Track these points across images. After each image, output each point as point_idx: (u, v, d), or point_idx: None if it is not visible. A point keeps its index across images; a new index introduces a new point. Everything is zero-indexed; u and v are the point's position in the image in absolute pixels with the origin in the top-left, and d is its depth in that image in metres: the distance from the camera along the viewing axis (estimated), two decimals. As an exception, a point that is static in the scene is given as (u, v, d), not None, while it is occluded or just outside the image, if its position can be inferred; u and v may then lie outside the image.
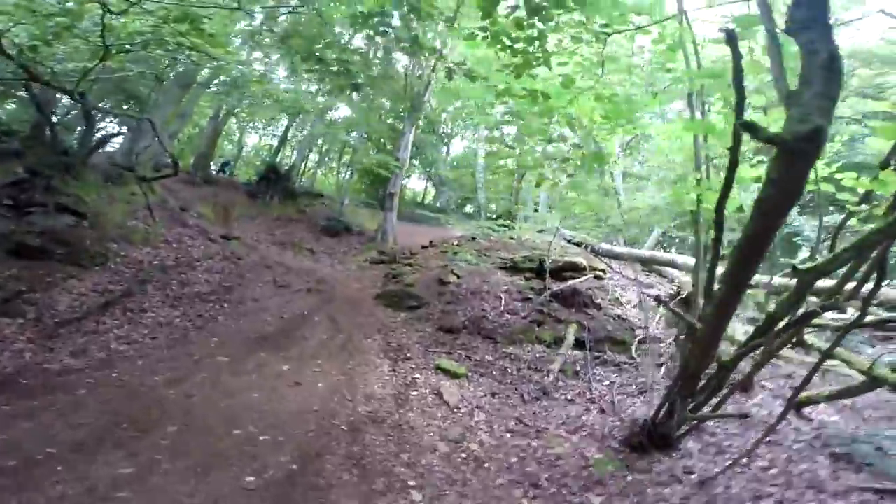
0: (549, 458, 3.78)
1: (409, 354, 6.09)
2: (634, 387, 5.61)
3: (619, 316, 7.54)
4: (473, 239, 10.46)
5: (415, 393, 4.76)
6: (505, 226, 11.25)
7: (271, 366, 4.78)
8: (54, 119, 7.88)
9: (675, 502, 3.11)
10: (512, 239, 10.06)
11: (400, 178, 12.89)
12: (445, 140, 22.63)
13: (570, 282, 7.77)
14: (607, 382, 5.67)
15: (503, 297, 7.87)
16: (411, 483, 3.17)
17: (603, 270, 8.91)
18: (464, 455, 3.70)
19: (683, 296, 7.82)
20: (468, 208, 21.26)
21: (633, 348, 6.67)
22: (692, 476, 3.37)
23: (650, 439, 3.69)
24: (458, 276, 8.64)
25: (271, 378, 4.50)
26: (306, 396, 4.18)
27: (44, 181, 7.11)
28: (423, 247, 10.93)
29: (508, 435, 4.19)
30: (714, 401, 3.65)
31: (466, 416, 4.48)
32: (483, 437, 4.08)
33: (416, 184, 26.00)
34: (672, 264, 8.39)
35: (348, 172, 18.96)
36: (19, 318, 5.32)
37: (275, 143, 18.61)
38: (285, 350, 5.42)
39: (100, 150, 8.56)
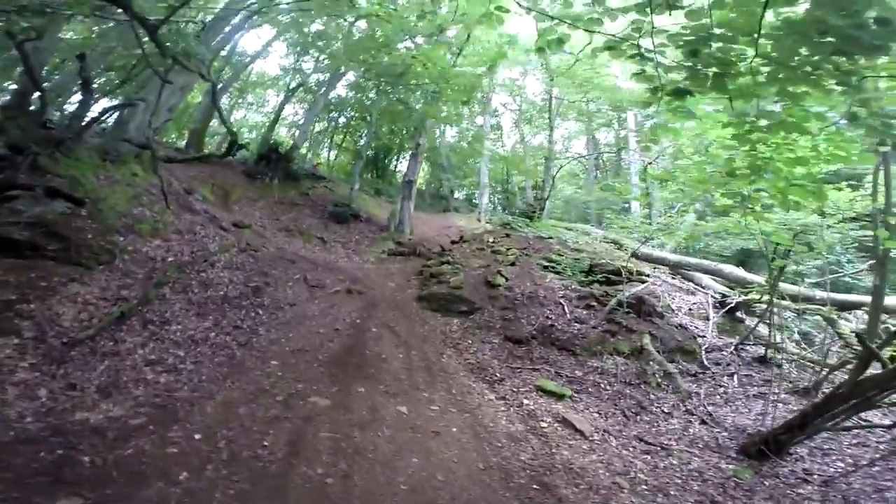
0: (692, 473, 3.93)
1: (496, 374, 5.55)
2: (719, 396, 5.70)
3: (680, 325, 7.33)
4: (507, 235, 9.85)
5: (544, 425, 4.41)
6: (526, 218, 10.77)
7: (385, 407, 3.97)
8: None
9: (815, 499, 3.56)
10: (550, 238, 9.55)
11: (419, 164, 11.90)
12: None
13: (635, 289, 7.41)
14: (685, 393, 5.58)
15: (564, 305, 7.40)
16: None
17: (647, 275, 8.68)
18: (641, 486, 3.64)
19: (732, 304, 7.83)
20: (452, 195, 20.46)
21: (703, 357, 6.54)
22: (814, 476, 3.86)
23: (767, 447, 4.11)
24: (506, 279, 8.05)
25: (402, 429, 3.70)
26: (460, 451, 3.53)
27: (28, 158, 5.64)
28: (454, 242, 10.19)
29: (648, 456, 4.17)
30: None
31: (602, 442, 4.32)
32: (635, 461, 4.02)
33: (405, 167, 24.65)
34: (719, 273, 8.30)
35: (338, 154, 17.54)
36: (14, 338, 4.13)
37: (266, 121, 16.68)
38: (374, 378, 4.62)
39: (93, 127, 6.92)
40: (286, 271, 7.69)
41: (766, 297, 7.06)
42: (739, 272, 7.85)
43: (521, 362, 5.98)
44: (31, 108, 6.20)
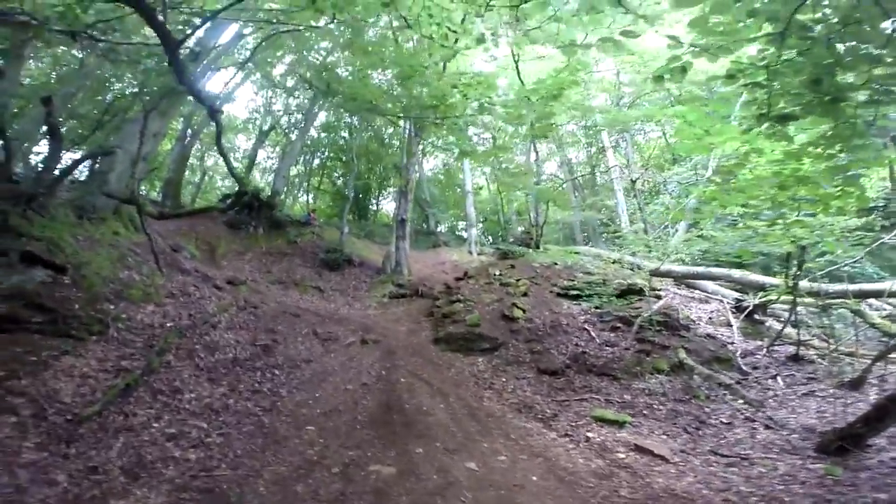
0: (786, 478, 3.77)
1: (545, 410, 5.24)
2: (770, 400, 5.60)
3: (707, 334, 7.28)
4: (512, 266, 9.69)
5: (622, 456, 4.18)
6: (524, 246, 10.73)
7: (453, 467, 3.49)
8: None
9: None
10: (556, 264, 9.48)
11: (409, 201, 11.68)
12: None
13: (655, 305, 7.35)
14: (741, 401, 5.52)
15: (590, 330, 7.21)
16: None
17: (660, 290, 8.70)
18: (751, 498, 3.48)
19: (750, 307, 7.91)
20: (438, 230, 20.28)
21: (740, 363, 6.45)
22: None
23: (847, 442, 4.04)
24: (524, 310, 7.81)
25: (482, 489, 3.24)
26: (555, 501, 3.15)
27: (-2, 220, 4.99)
28: (459, 278, 9.88)
29: (735, 469, 4.01)
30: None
31: (685, 463, 4.13)
32: (727, 476, 3.87)
33: (386, 205, 24.36)
34: (728, 278, 8.44)
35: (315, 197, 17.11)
36: (10, 416, 3.58)
37: (241, 167, 16.08)
38: (427, 435, 4.14)
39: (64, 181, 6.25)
40: (292, 326, 7.11)
41: (784, 297, 7.20)
42: (750, 276, 7.98)
43: (564, 394, 5.68)
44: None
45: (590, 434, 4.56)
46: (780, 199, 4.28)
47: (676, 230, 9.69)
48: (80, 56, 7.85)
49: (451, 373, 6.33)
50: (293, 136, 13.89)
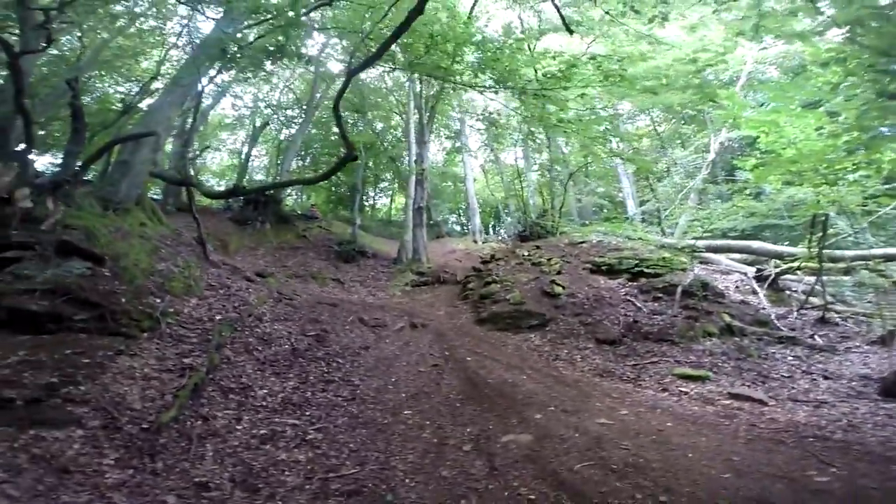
0: (867, 416, 3.89)
1: (627, 374, 5.26)
2: (818, 355, 5.82)
3: (742, 301, 7.49)
4: (538, 247, 9.64)
5: (727, 402, 4.32)
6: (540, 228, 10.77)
7: (588, 425, 3.38)
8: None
9: None
10: (583, 243, 9.51)
11: (425, 189, 11.40)
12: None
13: (689, 277, 7.50)
14: (791, 357, 5.71)
15: (634, 301, 7.26)
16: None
17: (685, 262, 8.88)
18: (866, 426, 3.67)
19: (772, 277, 8.24)
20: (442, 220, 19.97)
21: (779, 325, 6.68)
22: None
23: None
24: (563, 287, 7.77)
25: (634, 435, 3.20)
26: (706, 437, 3.24)
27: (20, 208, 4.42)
28: (485, 261, 9.71)
29: (825, 409, 4.16)
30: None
31: (782, 405, 4.29)
32: (825, 413, 4.06)
33: (379, 201, 23.75)
34: (747, 250, 8.74)
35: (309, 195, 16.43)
36: (75, 429, 3.12)
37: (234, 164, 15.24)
38: (533, 403, 4.00)
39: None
40: (334, 316, 6.77)
41: (807, 264, 7.54)
42: (768, 246, 8.30)
43: (633, 359, 5.70)
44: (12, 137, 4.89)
45: (682, 388, 4.62)
46: (835, 166, 4.40)
47: (686, 206, 9.94)
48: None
49: (510, 349, 6.21)
50: (292, 131, 13.26)
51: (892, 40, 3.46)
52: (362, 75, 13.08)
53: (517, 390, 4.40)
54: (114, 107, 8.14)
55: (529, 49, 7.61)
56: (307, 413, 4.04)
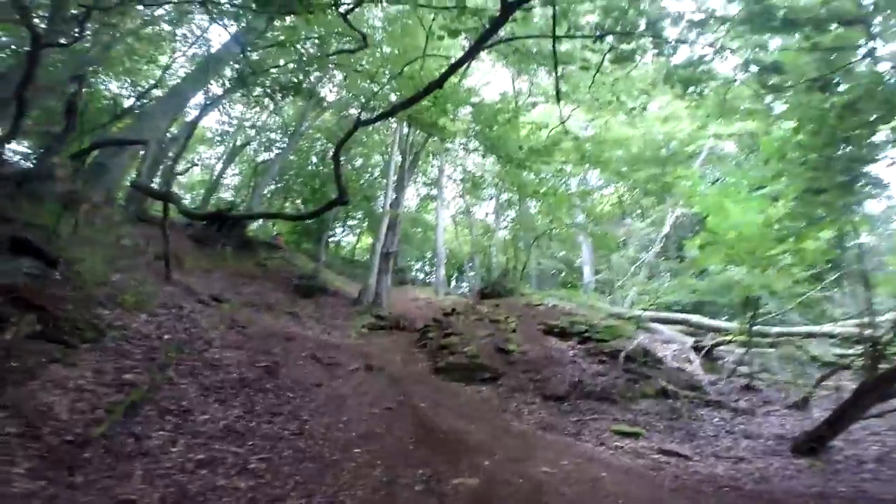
0: (780, 471, 4.41)
1: (569, 428, 5.51)
2: (740, 418, 6.40)
3: (678, 367, 8.08)
4: (497, 305, 10.01)
5: (656, 456, 4.69)
6: (500, 287, 11.22)
7: (531, 472, 3.53)
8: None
9: (883, 472, 4.28)
10: (540, 305, 9.99)
11: (397, 234, 11.62)
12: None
13: (632, 344, 8.07)
14: (718, 419, 6.31)
15: (580, 362, 7.64)
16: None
17: (630, 330, 9.50)
18: (772, 479, 4.15)
19: (707, 347, 9.02)
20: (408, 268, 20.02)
21: (709, 391, 7.28)
22: (865, 457, 4.67)
23: (815, 442, 4.89)
24: (517, 345, 8.08)
25: (572, 483, 3.35)
26: (635, 485, 3.49)
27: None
28: (447, 314, 9.87)
29: (742, 465, 4.61)
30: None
31: (704, 460, 4.73)
32: (741, 468, 4.50)
33: (344, 238, 23.57)
34: (686, 322, 9.54)
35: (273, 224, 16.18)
36: None
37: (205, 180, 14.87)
38: (481, 451, 4.08)
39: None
40: (287, 350, 6.62)
41: (738, 338, 8.39)
42: (705, 320, 9.14)
43: (575, 416, 6.01)
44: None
45: (617, 443, 4.96)
46: (768, 252, 5.18)
47: (636, 279, 10.82)
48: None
49: (463, 399, 6.29)
50: (271, 155, 13.34)
51: (825, 139, 4.07)
52: (352, 110, 13.66)
53: (468, 437, 4.48)
54: (103, 103, 7.97)
55: (517, 117, 8.51)
56: (250, 443, 3.87)
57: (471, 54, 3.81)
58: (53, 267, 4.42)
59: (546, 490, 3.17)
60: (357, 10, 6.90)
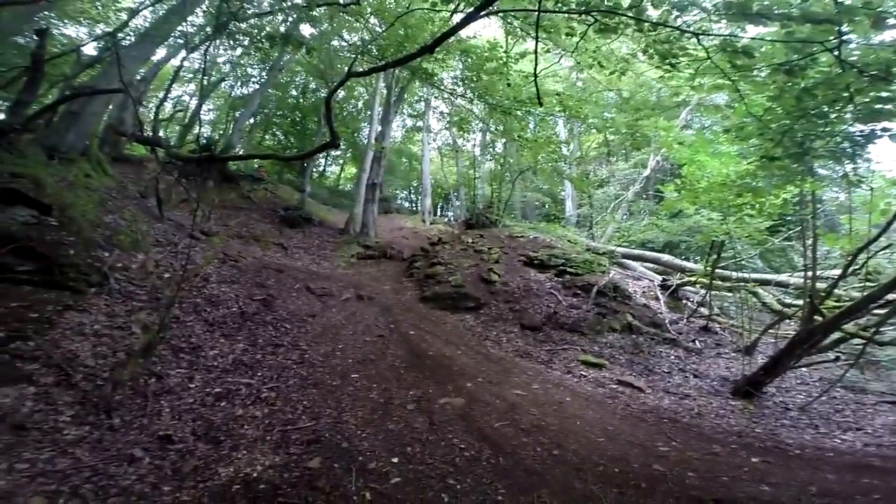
0: (718, 410, 4.95)
1: (541, 357, 6.11)
2: (694, 356, 7.05)
3: (645, 304, 8.83)
4: (482, 236, 10.38)
5: (615, 386, 5.31)
6: (485, 218, 11.55)
7: (506, 394, 4.18)
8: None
9: (803, 419, 4.82)
10: (522, 237, 10.40)
11: (382, 167, 11.51)
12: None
13: (605, 279, 8.66)
14: (673, 356, 6.91)
15: (556, 294, 8.26)
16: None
17: (604, 265, 10.14)
18: (708, 416, 4.72)
19: (673, 286, 9.75)
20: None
21: (670, 329, 8.04)
22: (791, 405, 5.19)
23: (751, 387, 5.33)
24: (499, 275, 8.60)
25: (540, 405, 3.99)
26: (594, 411, 4.05)
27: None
28: (433, 244, 10.25)
29: (686, 401, 5.15)
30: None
31: (655, 393, 5.32)
32: (683, 403, 5.05)
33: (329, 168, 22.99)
34: (658, 261, 10.17)
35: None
36: (27, 385, 3.16)
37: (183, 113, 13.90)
38: (466, 374, 4.74)
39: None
40: (281, 282, 6.99)
41: (701, 280, 9.05)
42: (675, 260, 9.76)
43: (548, 345, 6.61)
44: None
45: (583, 373, 5.58)
46: (732, 202, 5.54)
47: (615, 216, 11.24)
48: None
49: (448, 327, 6.89)
50: (248, 90, 12.50)
51: (782, 116, 4.31)
52: (334, 42, 12.67)
53: (453, 362, 5.11)
54: (60, 47, 7.22)
55: (507, 68, 8.19)
56: (259, 374, 4.39)
57: (465, 23, 3.64)
58: (48, 214, 4.48)
59: (518, 410, 3.82)
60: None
